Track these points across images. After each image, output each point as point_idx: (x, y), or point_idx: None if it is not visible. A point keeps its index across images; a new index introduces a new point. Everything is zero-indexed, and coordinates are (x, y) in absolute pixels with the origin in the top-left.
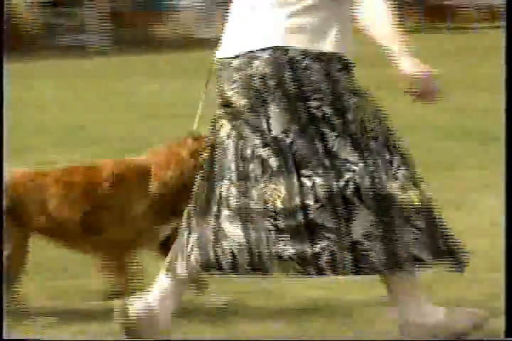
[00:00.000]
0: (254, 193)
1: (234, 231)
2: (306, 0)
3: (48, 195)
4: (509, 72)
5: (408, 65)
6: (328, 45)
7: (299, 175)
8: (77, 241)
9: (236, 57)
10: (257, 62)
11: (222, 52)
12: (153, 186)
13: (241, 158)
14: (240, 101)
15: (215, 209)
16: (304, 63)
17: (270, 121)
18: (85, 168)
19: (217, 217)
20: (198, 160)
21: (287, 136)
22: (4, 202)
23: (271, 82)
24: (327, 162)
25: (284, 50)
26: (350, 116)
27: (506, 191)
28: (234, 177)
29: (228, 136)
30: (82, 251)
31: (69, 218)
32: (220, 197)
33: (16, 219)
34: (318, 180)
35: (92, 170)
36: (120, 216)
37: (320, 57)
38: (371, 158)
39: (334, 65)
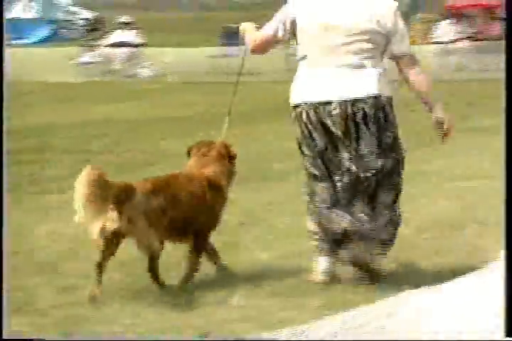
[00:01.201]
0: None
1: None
2: (383, 64)
3: (179, 195)
4: (509, 76)
5: (443, 114)
6: (392, 91)
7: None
8: (186, 230)
9: (327, 101)
10: (360, 104)
11: (314, 97)
12: (226, 191)
13: (332, 166)
14: (337, 130)
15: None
16: (388, 106)
17: (360, 143)
18: (187, 176)
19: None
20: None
21: (371, 155)
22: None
23: (370, 118)
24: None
25: (379, 97)
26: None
27: (506, 194)
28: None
29: (326, 148)
30: (181, 240)
31: (193, 213)
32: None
33: (164, 212)
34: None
35: (191, 178)
36: (214, 213)
37: (391, 101)
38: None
39: (392, 105)
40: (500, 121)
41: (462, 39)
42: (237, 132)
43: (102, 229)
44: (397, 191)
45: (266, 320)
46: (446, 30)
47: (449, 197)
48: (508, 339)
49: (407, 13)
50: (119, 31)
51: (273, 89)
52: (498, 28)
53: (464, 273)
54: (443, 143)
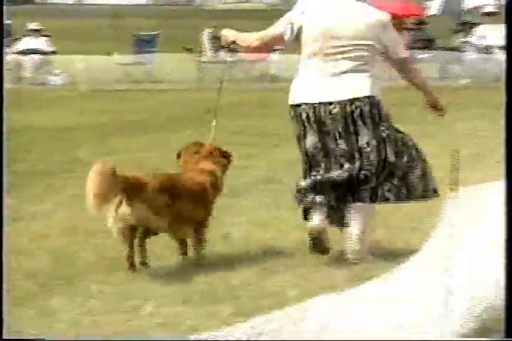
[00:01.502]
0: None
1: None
2: (375, 69)
3: (179, 193)
4: (509, 82)
5: (437, 98)
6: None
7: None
8: (187, 221)
9: (328, 102)
10: (357, 103)
11: (315, 98)
12: (220, 183)
13: (330, 157)
14: (333, 125)
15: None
16: (381, 104)
17: (358, 136)
18: (192, 176)
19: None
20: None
21: (368, 146)
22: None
23: (366, 115)
24: (381, 164)
25: (373, 97)
26: (396, 135)
27: (506, 199)
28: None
29: (315, 147)
30: (180, 231)
31: (191, 206)
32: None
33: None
34: (364, 172)
35: (192, 176)
36: (210, 206)
37: (380, 100)
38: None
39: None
40: (404, 127)
41: None
42: (145, 140)
43: (116, 220)
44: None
45: (178, 328)
46: None
47: None
48: (508, 339)
49: None
50: (27, 38)
51: (185, 98)
52: (405, 38)
53: (372, 278)
54: (440, 119)
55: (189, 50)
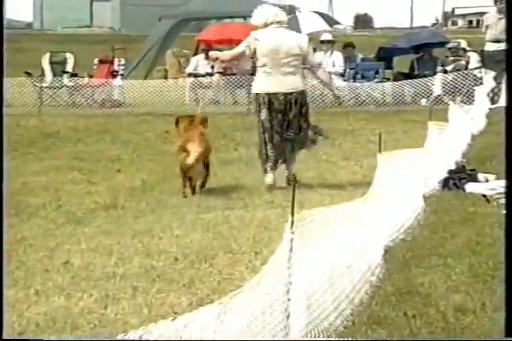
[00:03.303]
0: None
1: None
2: (301, 72)
3: (205, 149)
4: (509, 83)
5: (337, 93)
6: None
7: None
8: (198, 164)
9: (277, 92)
10: (295, 94)
11: (269, 90)
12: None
13: (274, 128)
14: (279, 106)
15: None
16: (306, 93)
17: (290, 113)
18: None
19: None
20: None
21: (294, 118)
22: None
23: (299, 100)
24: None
25: (303, 90)
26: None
27: (506, 199)
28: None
29: (267, 117)
30: (197, 170)
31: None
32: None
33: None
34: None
35: (205, 137)
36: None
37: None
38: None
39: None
40: (250, 151)
41: (214, 73)
42: None
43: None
44: (305, 145)
45: None
46: (198, 63)
47: (202, 228)
48: (508, 339)
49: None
50: None
51: (24, 122)
52: (249, 63)
53: (213, 302)
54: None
55: (29, 75)
